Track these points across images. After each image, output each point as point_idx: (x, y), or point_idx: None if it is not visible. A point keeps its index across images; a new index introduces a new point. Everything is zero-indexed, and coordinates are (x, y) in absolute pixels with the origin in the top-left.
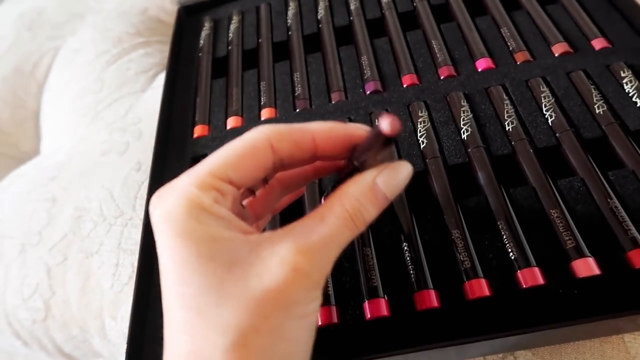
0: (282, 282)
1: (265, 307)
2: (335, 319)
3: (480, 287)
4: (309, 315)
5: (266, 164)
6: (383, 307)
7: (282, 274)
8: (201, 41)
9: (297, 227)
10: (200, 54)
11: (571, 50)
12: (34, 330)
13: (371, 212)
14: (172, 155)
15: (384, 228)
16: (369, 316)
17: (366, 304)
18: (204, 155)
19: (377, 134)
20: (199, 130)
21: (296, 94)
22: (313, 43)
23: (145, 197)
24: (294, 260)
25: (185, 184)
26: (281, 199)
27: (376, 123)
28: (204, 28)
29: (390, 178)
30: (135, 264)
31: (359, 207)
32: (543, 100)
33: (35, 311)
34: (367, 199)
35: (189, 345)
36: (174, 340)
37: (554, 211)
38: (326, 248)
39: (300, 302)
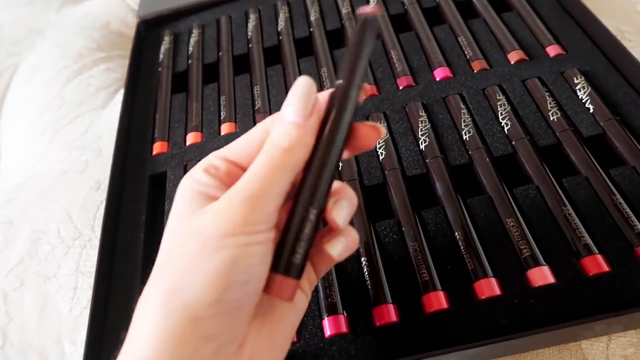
0: (203, 221)
1: (183, 241)
2: (294, 337)
3: (438, 300)
4: (225, 248)
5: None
6: (342, 324)
7: (204, 214)
8: (161, 55)
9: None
10: (160, 69)
11: (526, 58)
12: None
13: (283, 135)
14: (130, 173)
15: None
16: (328, 333)
17: (325, 321)
18: (164, 173)
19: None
20: (158, 147)
21: (256, 108)
22: (273, 55)
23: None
24: (218, 205)
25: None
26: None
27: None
28: (164, 42)
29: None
30: None
31: (270, 138)
32: (499, 109)
33: None
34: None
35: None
36: None
37: (509, 220)
38: (253, 185)
39: (217, 237)
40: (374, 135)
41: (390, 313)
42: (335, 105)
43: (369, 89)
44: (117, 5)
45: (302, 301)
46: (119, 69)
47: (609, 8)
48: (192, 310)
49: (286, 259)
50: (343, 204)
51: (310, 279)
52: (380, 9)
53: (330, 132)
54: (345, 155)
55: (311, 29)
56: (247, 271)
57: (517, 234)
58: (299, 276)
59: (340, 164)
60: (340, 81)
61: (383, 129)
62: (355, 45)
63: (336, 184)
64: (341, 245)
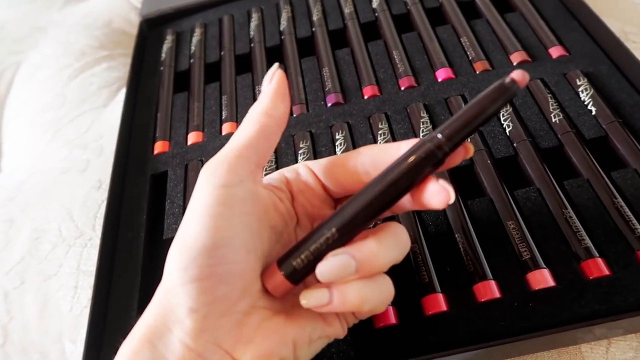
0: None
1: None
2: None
3: (437, 302)
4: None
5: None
6: None
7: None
8: (163, 54)
9: None
10: (162, 68)
11: (529, 59)
12: None
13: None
14: (132, 172)
15: None
16: None
17: None
18: (165, 172)
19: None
20: (159, 147)
21: None
22: (275, 55)
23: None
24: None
25: None
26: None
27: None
28: (166, 41)
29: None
30: None
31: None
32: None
33: None
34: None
35: None
36: None
37: (510, 222)
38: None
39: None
40: (441, 196)
41: (389, 315)
42: (416, 154)
43: (471, 151)
44: (119, 4)
45: (334, 322)
46: (121, 68)
47: (613, 9)
48: (165, 281)
49: (288, 256)
50: (339, 260)
51: (346, 316)
52: (527, 78)
53: (391, 174)
54: (412, 206)
55: (313, 29)
56: (205, 235)
57: (517, 236)
58: (287, 275)
59: None
60: (440, 135)
61: (452, 194)
62: (480, 104)
63: (385, 232)
64: (313, 299)
